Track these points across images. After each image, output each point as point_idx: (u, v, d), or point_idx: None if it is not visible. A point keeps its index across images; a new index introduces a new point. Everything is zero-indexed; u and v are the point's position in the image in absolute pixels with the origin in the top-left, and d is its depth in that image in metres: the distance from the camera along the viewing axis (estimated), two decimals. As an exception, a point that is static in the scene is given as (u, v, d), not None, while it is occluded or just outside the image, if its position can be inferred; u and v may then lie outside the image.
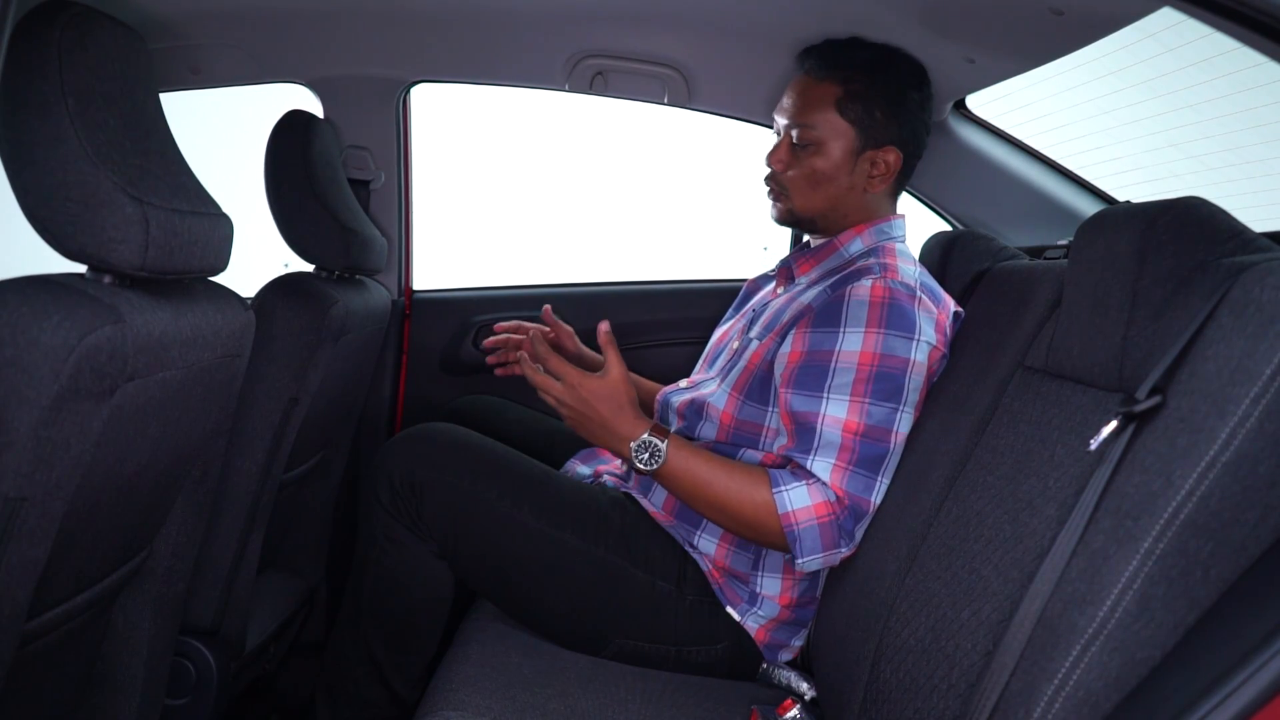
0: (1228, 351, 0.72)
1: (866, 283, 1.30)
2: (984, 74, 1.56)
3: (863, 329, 1.27)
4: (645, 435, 1.26)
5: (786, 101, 1.47)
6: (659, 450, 1.26)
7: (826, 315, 1.31)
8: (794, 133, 1.44)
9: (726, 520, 1.29)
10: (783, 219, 1.50)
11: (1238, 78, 1.56)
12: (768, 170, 1.49)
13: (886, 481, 1.25)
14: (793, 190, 1.46)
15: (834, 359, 1.27)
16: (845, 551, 1.25)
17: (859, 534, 1.24)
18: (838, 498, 1.23)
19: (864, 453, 1.24)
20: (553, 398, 1.27)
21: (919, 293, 1.30)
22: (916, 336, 1.27)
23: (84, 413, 0.84)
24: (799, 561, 1.24)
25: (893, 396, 1.25)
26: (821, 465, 1.24)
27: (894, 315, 1.27)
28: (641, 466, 1.27)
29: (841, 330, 1.28)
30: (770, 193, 1.50)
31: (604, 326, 1.27)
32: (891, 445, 1.25)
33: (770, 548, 1.33)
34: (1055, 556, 0.79)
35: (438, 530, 1.40)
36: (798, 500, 1.23)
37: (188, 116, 1.50)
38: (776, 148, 1.47)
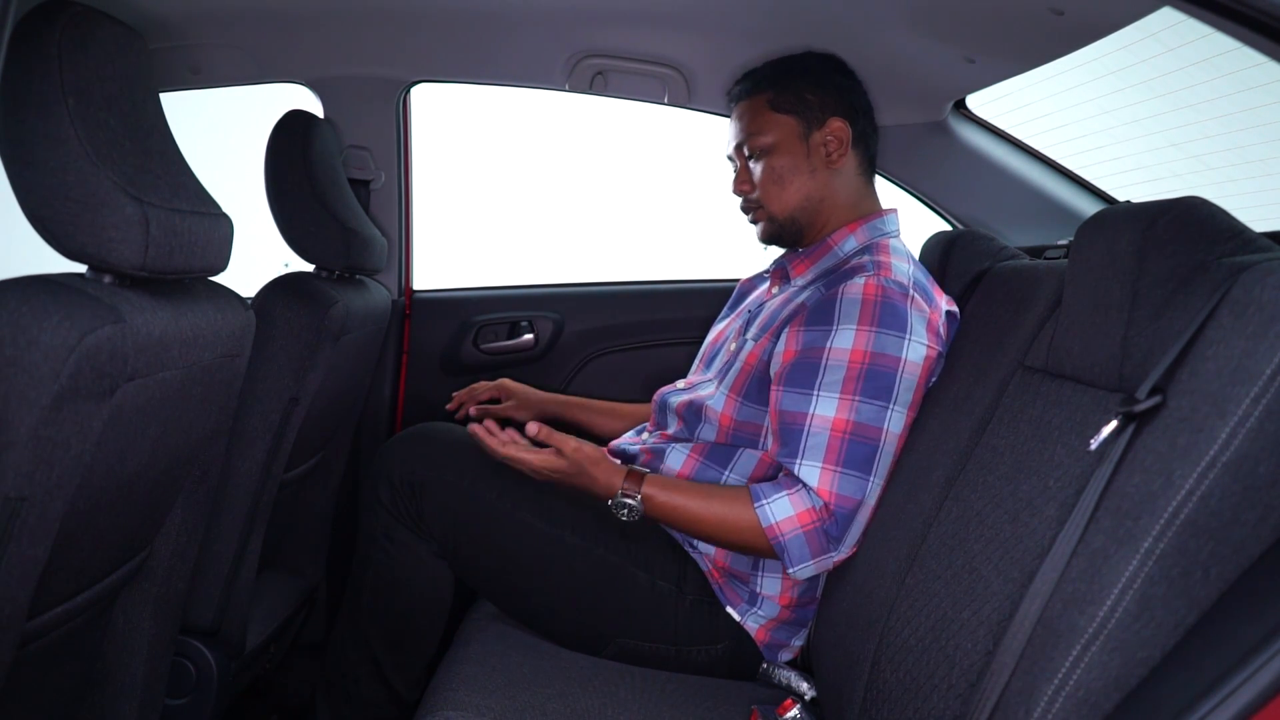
0: (1228, 351, 0.72)
1: (859, 280, 1.30)
2: (984, 74, 1.56)
3: (854, 326, 1.27)
4: (619, 494, 1.29)
5: (729, 132, 1.52)
6: (634, 509, 1.29)
7: (819, 313, 1.31)
8: (745, 148, 1.47)
9: (721, 543, 1.33)
10: (768, 234, 1.50)
11: (1238, 78, 1.56)
12: (740, 201, 1.51)
13: (880, 481, 1.25)
14: (765, 199, 1.47)
15: (825, 356, 1.28)
16: (838, 555, 1.25)
17: (853, 535, 1.25)
18: (824, 503, 1.24)
19: (852, 452, 1.25)
20: (541, 458, 1.30)
21: (912, 291, 1.30)
22: (908, 336, 1.27)
23: (84, 412, 0.84)
24: (791, 570, 1.26)
25: (883, 395, 1.26)
26: (809, 469, 1.25)
27: (886, 313, 1.27)
28: (623, 518, 1.30)
29: (833, 328, 1.29)
30: (750, 218, 1.51)
31: (532, 428, 1.29)
32: (881, 443, 1.25)
33: (768, 558, 1.34)
34: (1055, 556, 0.79)
35: (438, 530, 1.41)
36: (780, 512, 1.25)
37: (188, 116, 1.50)
38: (736, 176, 1.51)
